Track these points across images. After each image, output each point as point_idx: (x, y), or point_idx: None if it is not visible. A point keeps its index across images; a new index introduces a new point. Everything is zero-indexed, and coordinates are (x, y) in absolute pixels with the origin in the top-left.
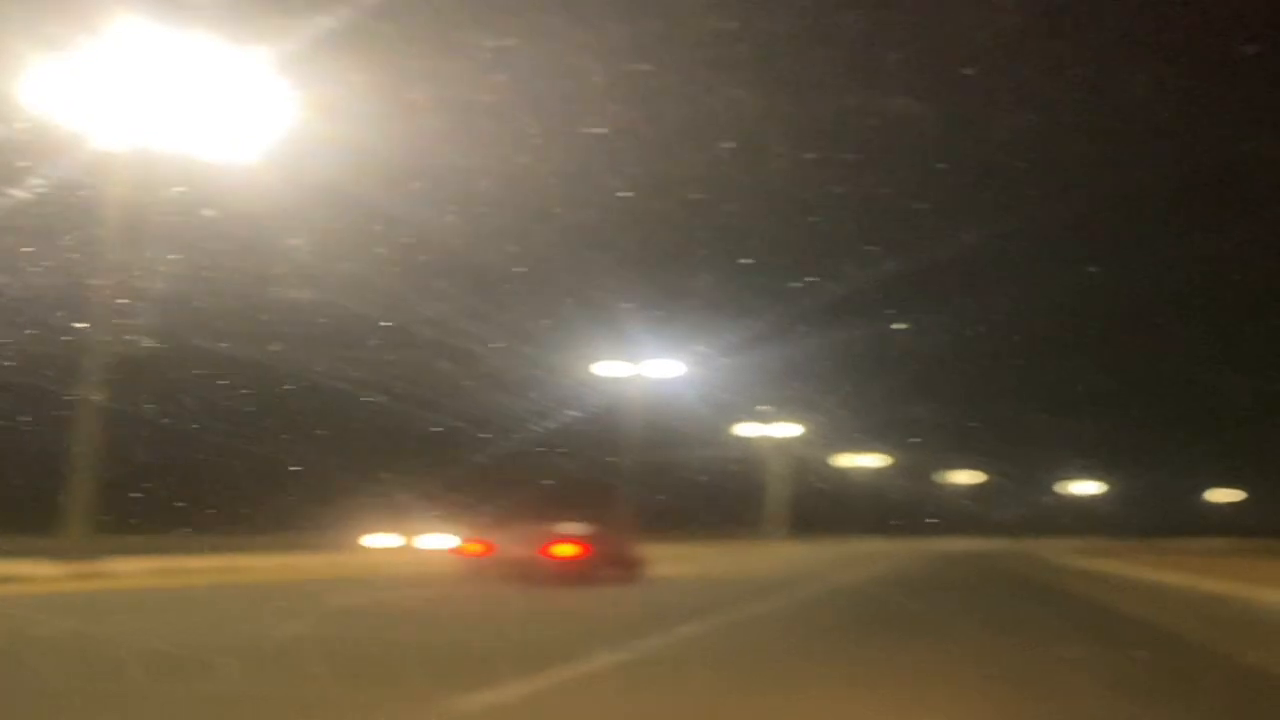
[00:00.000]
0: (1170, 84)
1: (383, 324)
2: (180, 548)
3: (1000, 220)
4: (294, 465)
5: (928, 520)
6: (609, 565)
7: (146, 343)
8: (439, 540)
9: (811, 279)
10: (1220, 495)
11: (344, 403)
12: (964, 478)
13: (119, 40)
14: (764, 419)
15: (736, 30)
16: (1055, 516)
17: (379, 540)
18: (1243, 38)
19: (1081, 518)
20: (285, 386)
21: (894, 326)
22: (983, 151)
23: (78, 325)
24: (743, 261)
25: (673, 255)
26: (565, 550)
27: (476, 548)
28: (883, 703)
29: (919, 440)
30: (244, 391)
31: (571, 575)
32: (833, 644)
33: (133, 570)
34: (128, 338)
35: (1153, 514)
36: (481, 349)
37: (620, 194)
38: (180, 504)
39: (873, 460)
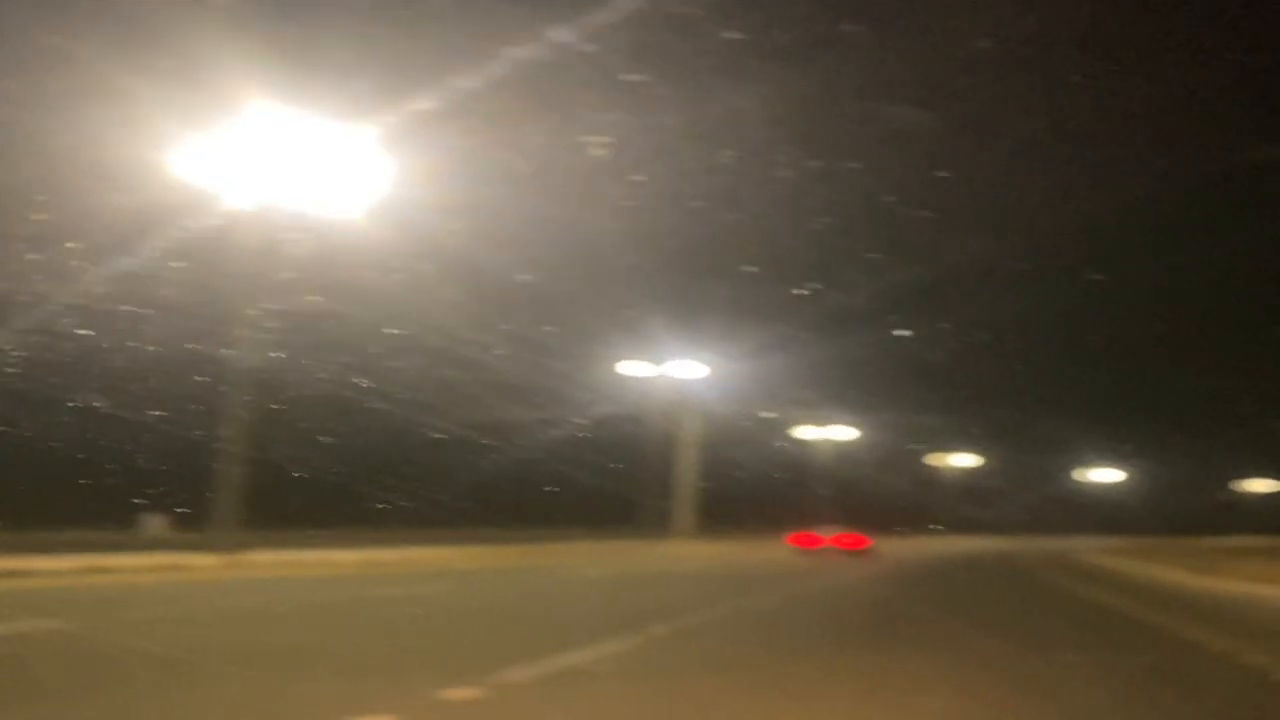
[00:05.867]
0: (1175, 89)
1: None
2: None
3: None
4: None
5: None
6: (868, 548)
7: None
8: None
9: None
10: (1251, 486)
11: None
12: (964, 463)
13: (252, 117)
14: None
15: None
16: (1070, 512)
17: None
18: (1247, 45)
19: (1100, 513)
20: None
21: (897, 333)
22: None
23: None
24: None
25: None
26: (850, 540)
27: (803, 539)
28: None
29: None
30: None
31: (853, 554)
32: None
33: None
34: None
35: (1180, 508)
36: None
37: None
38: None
39: (842, 433)
